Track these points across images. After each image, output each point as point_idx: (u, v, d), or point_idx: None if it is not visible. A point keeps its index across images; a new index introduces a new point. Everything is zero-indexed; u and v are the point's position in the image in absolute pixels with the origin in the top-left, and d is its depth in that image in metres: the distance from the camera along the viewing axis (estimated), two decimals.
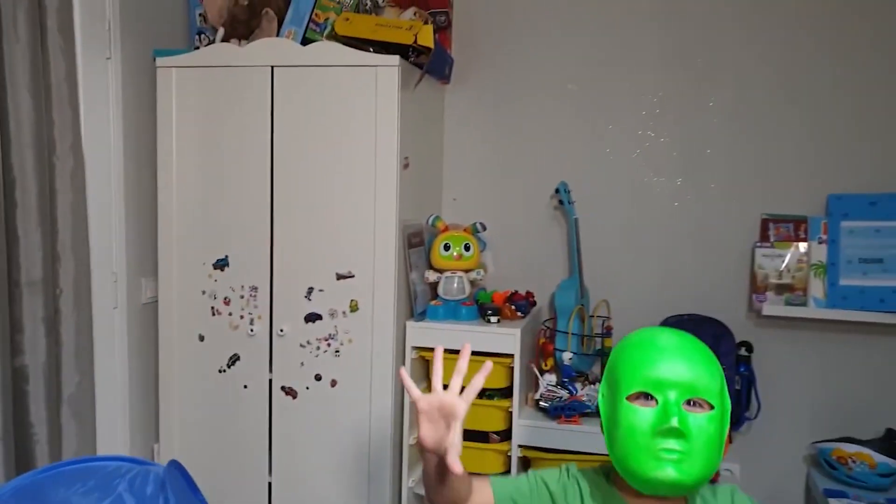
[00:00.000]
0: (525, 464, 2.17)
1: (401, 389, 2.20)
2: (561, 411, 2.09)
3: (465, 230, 2.30)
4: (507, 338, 2.12)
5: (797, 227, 2.34)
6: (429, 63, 2.22)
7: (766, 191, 2.36)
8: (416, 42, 2.13)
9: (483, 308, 2.22)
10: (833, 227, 2.29)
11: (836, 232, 2.29)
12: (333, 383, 2.19)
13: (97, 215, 1.99)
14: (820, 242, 2.30)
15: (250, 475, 2.25)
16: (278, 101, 2.17)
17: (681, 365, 1.08)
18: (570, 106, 2.50)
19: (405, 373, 1.13)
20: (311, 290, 2.18)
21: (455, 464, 1.03)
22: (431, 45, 2.14)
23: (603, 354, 2.31)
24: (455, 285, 2.25)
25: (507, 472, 2.16)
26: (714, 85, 2.39)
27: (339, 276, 2.16)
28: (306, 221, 2.17)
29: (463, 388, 1.12)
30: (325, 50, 2.14)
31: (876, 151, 2.28)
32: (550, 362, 2.24)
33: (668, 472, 1.04)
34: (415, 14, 2.32)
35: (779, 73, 2.33)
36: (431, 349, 2.18)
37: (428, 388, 2.28)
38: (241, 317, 2.23)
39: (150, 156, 2.27)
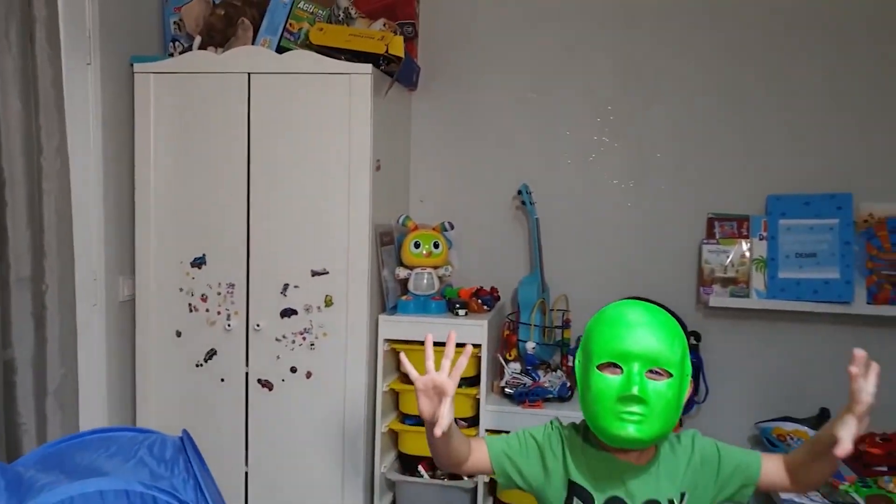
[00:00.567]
0: None
1: (374, 380, 2.37)
2: (525, 397, 2.29)
3: (434, 229, 2.48)
4: (474, 329, 2.31)
5: (740, 225, 2.59)
6: (399, 71, 2.41)
7: (712, 192, 2.61)
8: (387, 51, 2.31)
9: (451, 302, 2.41)
10: (772, 225, 2.55)
11: (774, 229, 2.55)
12: (308, 375, 2.34)
13: (77, 215, 2.10)
14: (761, 239, 2.56)
15: (227, 466, 2.38)
16: (255, 107, 2.33)
17: (644, 339, 1.25)
18: (530, 113, 2.71)
19: (405, 357, 1.30)
20: (286, 286, 2.33)
21: (439, 428, 1.20)
22: (402, 54, 2.32)
23: (563, 345, 2.52)
24: (425, 281, 2.43)
25: None
26: (662, 94, 2.63)
27: (314, 273, 2.32)
28: (282, 221, 2.33)
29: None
30: (301, 58, 2.30)
31: (810, 156, 2.55)
32: (514, 352, 2.43)
33: (630, 431, 1.22)
34: (384, 25, 2.50)
35: (721, 85, 2.59)
36: (403, 341, 2.38)
37: (399, 378, 2.46)
38: (219, 313, 2.36)
39: (128, 158, 2.39)
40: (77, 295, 2.08)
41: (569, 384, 2.35)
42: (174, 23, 2.51)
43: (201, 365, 2.38)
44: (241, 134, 2.33)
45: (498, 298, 2.57)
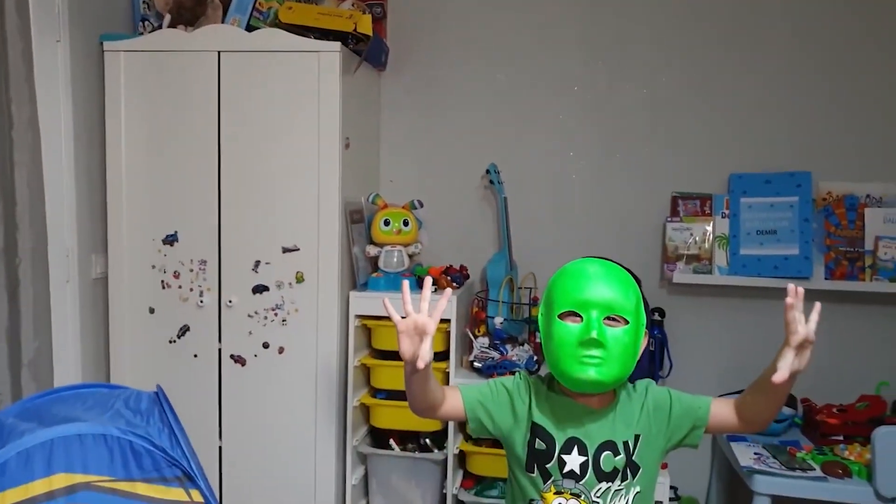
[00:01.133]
0: None
1: (345, 355, 2.48)
2: (493, 370, 2.40)
3: (403, 207, 2.59)
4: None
5: (703, 204, 2.73)
6: (367, 50, 2.50)
7: (676, 171, 2.74)
8: (355, 30, 2.40)
9: (421, 279, 2.51)
10: (734, 203, 2.69)
11: (736, 207, 2.68)
12: (281, 350, 2.44)
13: (49, 193, 2.18)
14: (723, 217, 2.69)
15: (202, 440, 2.46)
16: (225, 85, 2.41)
17: (602, 289, 1.38)
18: (498, 94, 2.82)
19: (388, 301, 1.40)
20: (258, 263, 2.43)
21: (421, 361, 1.31)
22: (370, 32, 2.42)
23: (530, 322, 2.64)
24: (395, 258, 2.53)
25: (445, 429, 2.45)
26: (628, 75, 2.75)
27: (285, 250, 2.42)
28: (253, 198, 2.42)
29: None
30: (270, 36, 2.39)
31: (770, 135, 2.69)
32: (483, 328, 2.55)
33: (590, 374, 1.34)
34: (353, 4, 2.59)
35: (684, 66, 2.71)
36: (374, 317, 2.48)
37: (370, 354, 2.57)
38: (191, 289, 2.45)
39: (99, 135, 2.46)
40: (50, 272, 2.16)
41: (535, 357, 2.47)
42: (144, 1, 2.57)
43: (174, 341, 2.47)
44: (212, 112, 2.41)
45: (467, 276, 2.68)
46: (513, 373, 2.31)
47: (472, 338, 2.50)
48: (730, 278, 2.65)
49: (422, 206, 2.64)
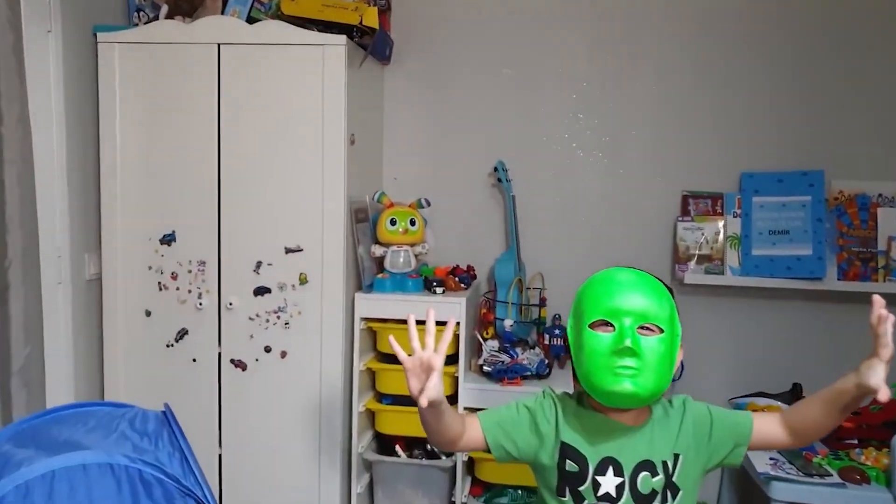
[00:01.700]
0: None
1: (350, 360, 2.36)
2: (503, 374, 2.30)
3: (410, 206, 2.47)
4: (452, 307, 2.31)
5: (714, 203, 2.64)
6: (373, 43, 2.38)
7: (686, 169, 2.65)
8: (361, 23, 2.28)
9: (428, 281, 2.40)
10: (746, 202, 2.60)
11: (748, 206, 2.60)
12: (283, 355, 2.32)
13: (40, 190, 2.04)
14: (735, 216, 2.60)
15: (200, 448, 2.30)
16: (225, 79, 2.28)
17: (634, 296, 1.28)
18: (505, 89, 2.71)
19: (394, 339, 1.30)
20: (259, 263, 2.30)
21: (424, 397, 1.21)
22: (376, 25, 2.29)
23: (539, 323, 2.53)
24: (401, 259, 2.42)
25: None
26: (637, 72, 2.65)
27: (288, 250, 2.29)
28: (254, 196, 2.29)
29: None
30: (273, 29, 2.26)
31: (782, 134, 2.60)
32: (491, 331, 2.44)
33: (626, 386, 1.24)
34: None
35: (696, 63, 2.62)
36: (379, 320, 2.37)
37: (375, 357, 2.46)
38: (189, 291, 2.32)
39: (92, 131, 2.32)
40: (41, 274, 2.02)
41: (546, 361, 2.37)
42: None
43: (172, 345, 2.34)
44: (211, 107, 2.28)
45: (475, 276, 2.57)
46: (526, 376, 2.21)
47: (482, 340, 2.40)
48: (742, 279, 2.56)
49: (429, 204, 2.53)
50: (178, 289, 2.32)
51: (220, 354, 2.33)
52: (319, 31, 2.29)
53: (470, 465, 2.40)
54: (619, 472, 1.32)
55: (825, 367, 2.62)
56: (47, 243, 2.12)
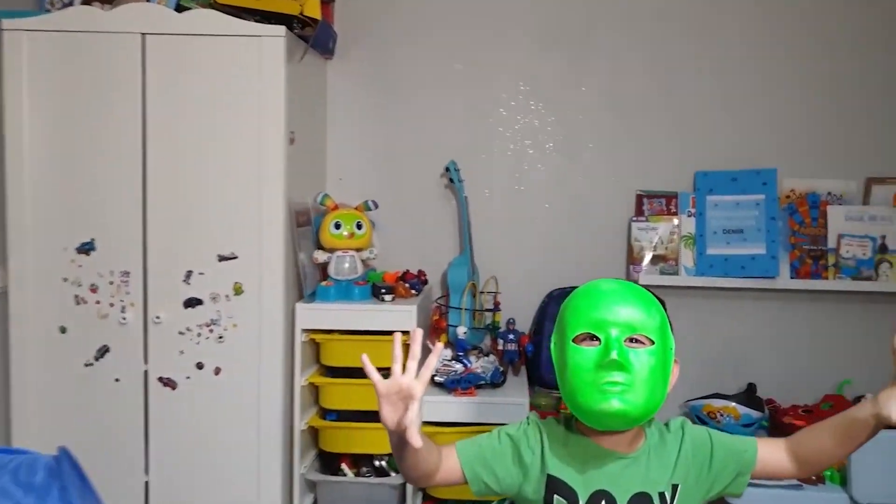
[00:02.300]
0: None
1: (290, 374, 2.13)
2: (457, 384, 2.12)
3: (356, 208, 2.26)
4: (403, 314, 2.12)
5: (668, 202, 2.52)
6: (315, 35, 2.17)
7: (640, 169, 2.52)
8: (301, 13, 2.07)
9: (376, 287, 2.20)
10: (700, 202, 2.49)
11: (702, 206, 2.49)
12: (217, 371, 2.08)
13: None
14: (689, 216, 2.49)
15: (125, 475, 2.09)
16: (151, 72, 2.03)
17: (620, 306, 1.14)
18: (456, 86, 2.53)
19: (366, 358, 1.10)
20: (189, 273, 2.06)
21: (413, 437, 1.03)
22: (318, 16, 2.09)
23: (494, 328, 2.36)
24: (347, 265, 2.21)
25: None
26: (591, 71, 2.51)
27: (222, 258, 2.06)
28: (184, 200, 2.05)
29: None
30: (204, 18, 2.02)
31: (736, 132, 2.50)
32: (444, 338, 2.26)
33: (613, 404, 1.09)
34: None
35: (649, 61, 2.50)
36: (323, 331, 2.15)
37: (319, 371, 2.24)
38: (111, 304, 2.06)
39: None
40: None
41: (501, 369, 2.19)
42: None
43: (91, 364, 2.07)
44: (135, 103, 2.03)
45: (426, 282, 2.39)
46: (481, 385, 2.04)
47: (434, 350, 2.20)
48: (697, 279, 2.45)
49: (376, 206, 2.33)
50: (98, 302, 2.06)
51: (146, 373, 2.08)
52: (256, 21, 2.07)
53: None
54: None
55: (780, 365, 2.56)
56: None
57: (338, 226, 2.20)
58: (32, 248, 2.05)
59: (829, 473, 2.09)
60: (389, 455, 2.18)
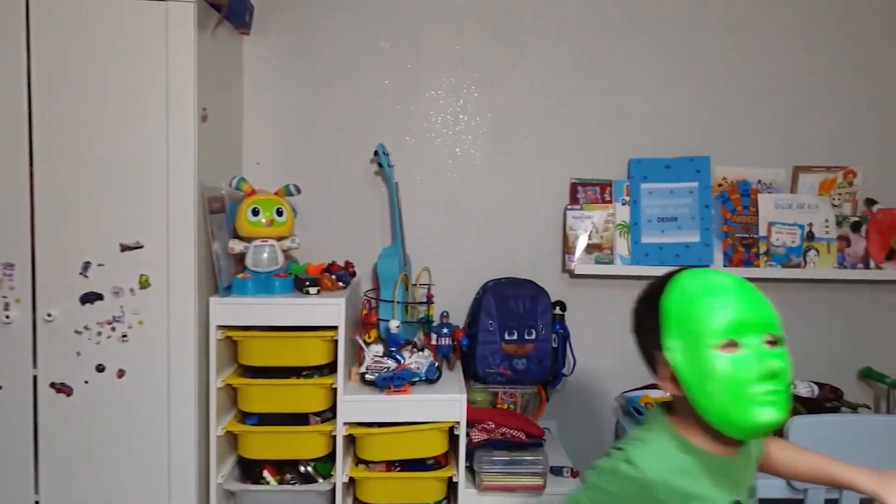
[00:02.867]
0: (352, 440, 1.97)
1: (205, 375, 1.89)
2: (389, 382, 1.93)
3: (276, 193, 2.04)
4: (330, 308, 1.91)
5: (603, 190, 2.41)
6: (228, 5, 1.93)
7: (575, 156, 2.40)
8: None
9: (299, 280, 1.98)
10: (634, 189, 2.39)
11: (637, 193, 2.39)
12: (121, 374, 1.82)
13: None
14: (623, 204, 2.38)
15: (10, 496, 1.79)
16: (37, 37, 1.75)
17: (755, 305, 1.06)
18: (384, 65, 2.34)
19: None
20: (87, 264, 1.79)
21: None
22: None
23: (427, 322, 2.19)
24: (266, 255, 1.98)
25: (331, 453, 1.94)
26: (525, 55, 2.37)
27: (125, 248, 1.80)
28: (80, 182, 1.78)
29: None
30: None
31: (669, 119, 2.41)
32: (374, 333, 2.07)
33: (770, 414, 1.03)
34: None
35: (582, 47, 2.37)
36: (241, 328, 1.93)
37: (237, 372, 2.00)
38: None
39: None
40: None
41: (437, 365, 2.02)
42: None
43: None
44: (18, 74, 1.75)
45: (354, 274, 2.18)
46: (415, 382, 1.89)
47: (363, 346, 2.01)
48: (632, 268, 2.35)
49: (299, 192, 2.10)
50: None
51: (35, 378, 1.79)
52: None
53: (352, 485, 2.01)
54: None
55: None
56: None
57: (256, 212, 1.96)
58: None
59: None
60: (315, 460, 1.98)
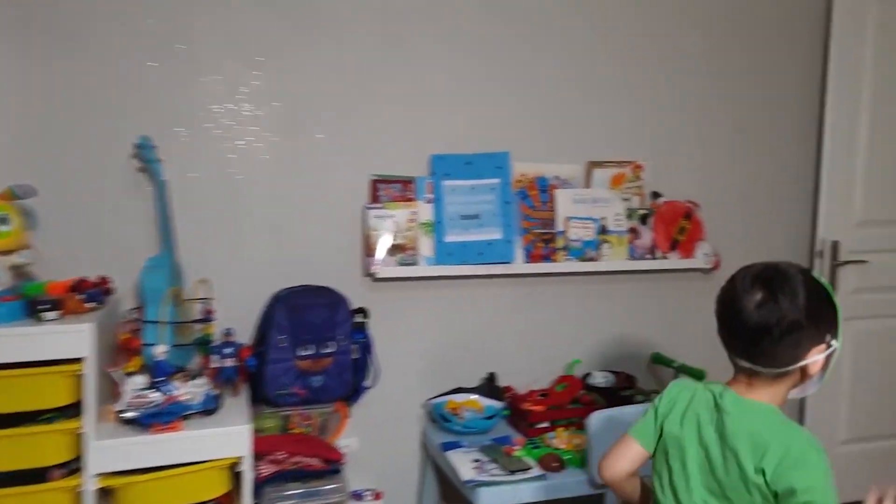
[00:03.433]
0: (106, 494, 1.60)
1: None
2: (155, 418, 1.59)
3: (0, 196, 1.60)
4: (72, 338, 1.52)
5: (405, 187, 2.22)
6: None
7: (375, 152, 2.19)
8: None
9: (33, 303, 1.57)
10: (437, 186, 2.23)
11: (439, 191, 2.23)
12: None
13: None
14: (427, 201, 2.22)
15: None
16: None
17: None
18: (148, 45, 1.95)
19: None
20: None
21: None
22: None
23: (205, 343, 1.86)
24: None
25: None
26: (320, 38, 2.10)
27: None
28: None
29: None
30: None
31: (470, 115, 2.28)
32: (137, 362, 1.71)
33: None
34: None
35: (380, 33, 2.16)
36: None
37: None
38: None
39: None
40: None
41: (216, 393, 1.71)
42: None
43: None
44: None
45: (110, 291, 1.80)
46: (189, 415, 1.58)
47: (121, 378, 1.64)
48: (436, 268, 2.19)
49: (34, 194, 1.67)
50: None
51: None
52: None
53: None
54: None
55: (518, 351, 2.42)
56: None
57: None
58: None
59: (569, 457, 1.98)
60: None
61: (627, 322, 2.51)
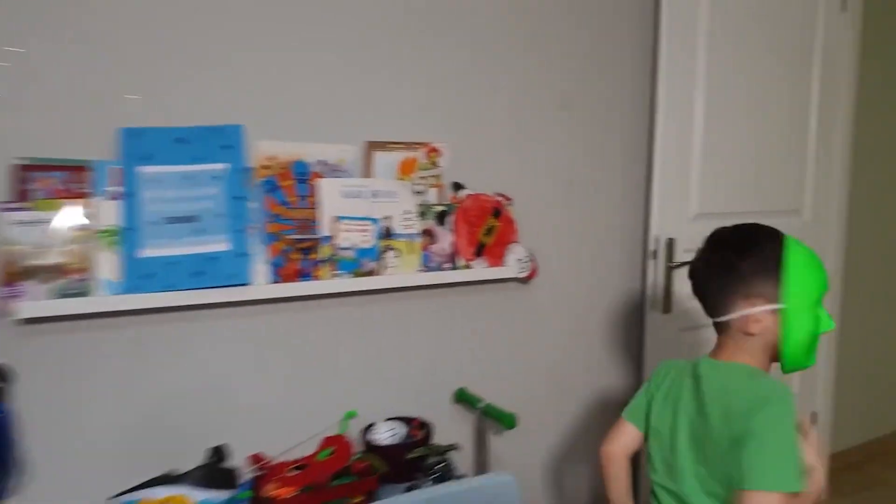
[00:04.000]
0: None
1: None
2: None
3: None
4: None
5: (74, 178, 1.44)
6: None
7: (22, 122, 1.38)
8: None
9: None
10: (129, 176, 1.47)
11: (133, 182, 1.47)
12: None
13: None
14: (110, 198, 1.45)
15: None
16: None
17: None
18: None
19: None
20: None
21: None
22: None
23: None
24: None
25: None
26: None
27: None
28: None
29: None
30: None
31: (187, 67, 1.53)
32: None
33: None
34: None
35: None
36: None
37: None
38: None
39: None
40: None
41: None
42: None
43: None
44: None
45: None
46: None
47: None
48: (126, 298, 1.43)
49: None
50: None
51: None
52: None
53: None
54: None
55: (277, 402, 1.70)
56: None
57: None
58: None
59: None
60: None
61: (424, 351, 1.90)
